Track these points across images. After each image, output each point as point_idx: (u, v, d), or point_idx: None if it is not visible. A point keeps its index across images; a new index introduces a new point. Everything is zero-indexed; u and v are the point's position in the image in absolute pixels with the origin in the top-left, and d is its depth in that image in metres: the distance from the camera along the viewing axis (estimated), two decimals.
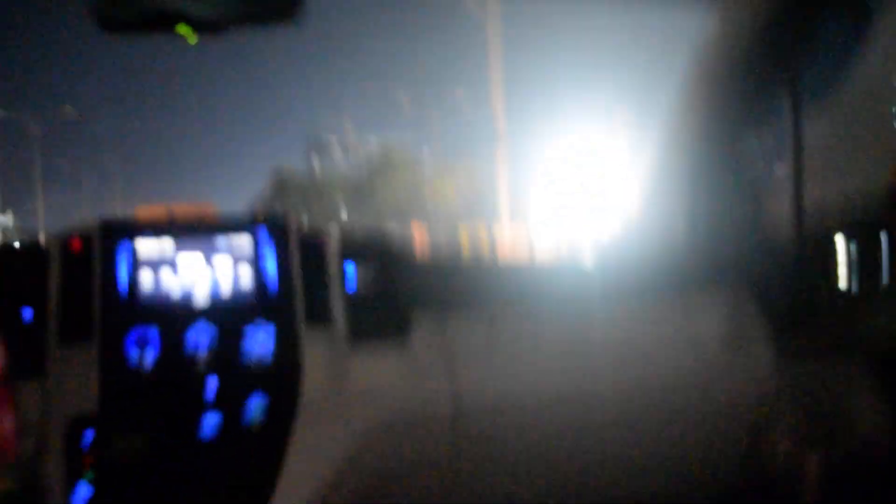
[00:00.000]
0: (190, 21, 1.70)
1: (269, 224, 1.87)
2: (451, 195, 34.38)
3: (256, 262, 1.83)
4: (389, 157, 41.72)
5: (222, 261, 1.82)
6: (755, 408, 2.05)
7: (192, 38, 1.68)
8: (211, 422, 1.70)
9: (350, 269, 1.93)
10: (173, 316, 1.76)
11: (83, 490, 1.63)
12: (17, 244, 1.91)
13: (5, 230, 38.82)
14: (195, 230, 1.84)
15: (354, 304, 1.90)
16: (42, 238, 1.82)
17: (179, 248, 1.81)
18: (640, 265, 2.20)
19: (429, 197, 37.23)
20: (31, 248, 1.83)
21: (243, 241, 1.84)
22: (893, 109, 2.00)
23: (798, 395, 2.03)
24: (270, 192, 50.01)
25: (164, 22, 1.70)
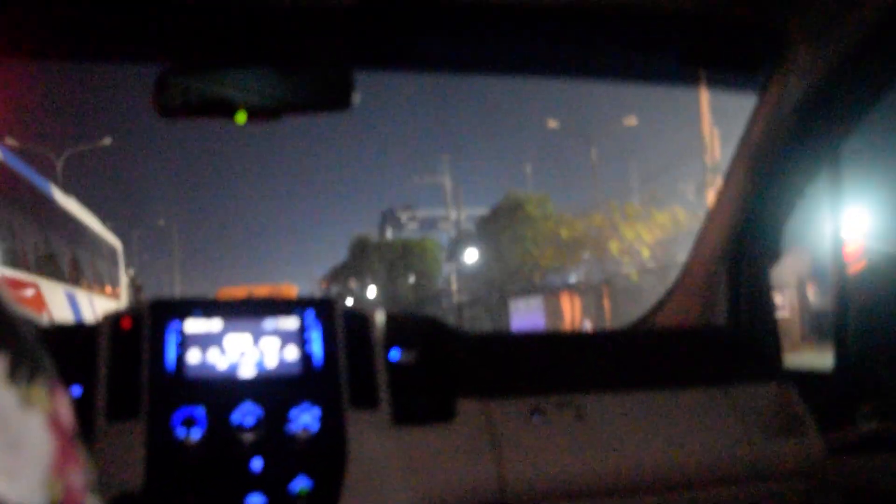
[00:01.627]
0: (246, 108, 1.75)
1: (317, 306, 1.89)
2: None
3: (303, 344, 1.84)
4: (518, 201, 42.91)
5: (269, 342, 1.83)
6: (803, 498, 2.00)
7: (243, 121, 1.73)
8: (256, 502, 1.68)
9: (395, 352, 1.93)
10: (220, 395, 1.76)
11: None
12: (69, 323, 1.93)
13: None
14: (243, 311, 1.86)
15: (399, 386, 1.90)
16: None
17: (227, 328, 1.82)
18: None
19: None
20: (82, 327, 1.86)
21: (290, 322, 1.85)
22: None
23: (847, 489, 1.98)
24: (350, 257, 52.48)
25: (220, 110, 1.75)
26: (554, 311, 34.08)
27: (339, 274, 61.18)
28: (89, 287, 13.35)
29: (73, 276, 12.39)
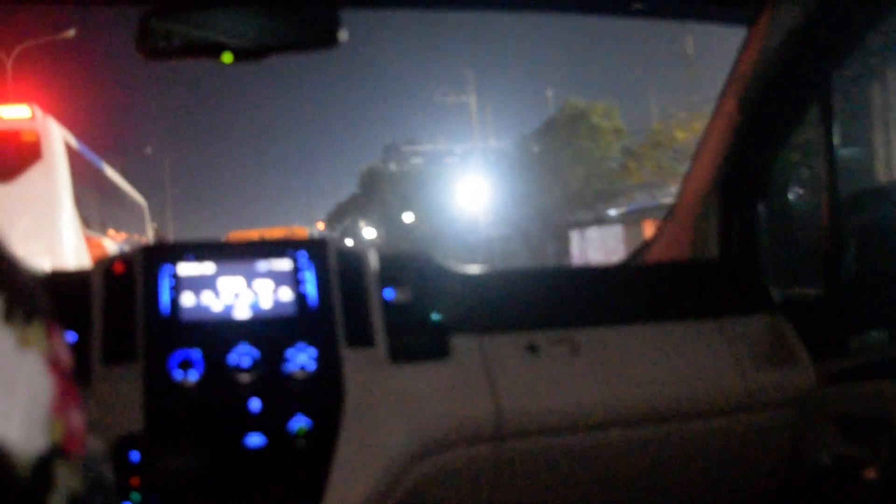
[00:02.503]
0: (231, 49, 1.72)
1: (309, 248, 1.88)
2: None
3: (297, 285, 1.84)
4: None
5: (263, 284, 1.82)
6: (795, 426, 2.01)
7: (230, 61, 1.70)
8: (254, 442, 1.69)
9: (390, 291, 1.93)
10: (215, 338, 1.76)
11: None
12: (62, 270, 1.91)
13: None
14: (236, 254, 1.85)
15: (394, 324, 1.90)
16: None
17: (220, 271, 1.82)
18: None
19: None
20: (75, 273, 1.84)
21: (284, 264, 1.85)
22: None
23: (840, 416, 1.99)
24: (361, 191, 49.01)
25: (206, 51, 1.72)
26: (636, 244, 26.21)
27: (344, 212, 57.21)
28: (130, 241, 14.70)
29: (121, 232, 14.19)
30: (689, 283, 2.25)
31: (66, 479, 0.52)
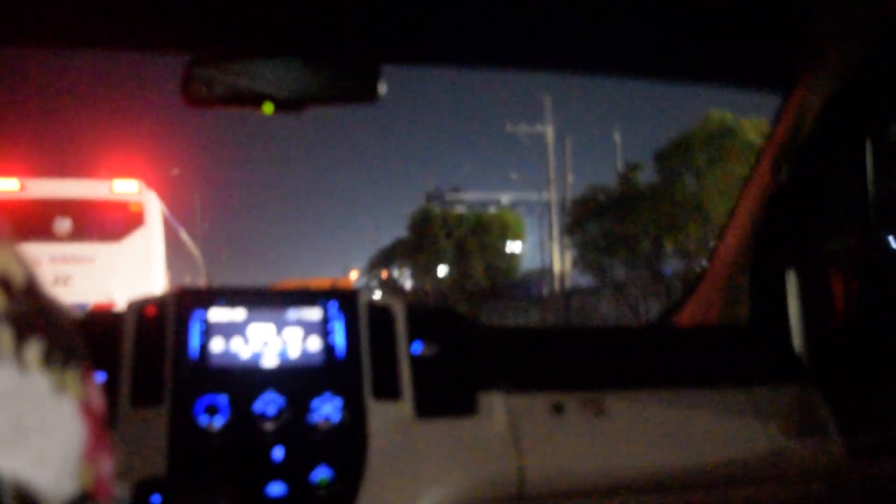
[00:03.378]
0: (272, 100, 1.72)
1: (340, 298, 1.88)
2: None
3: (326, 335, 1.83)
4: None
5: (292, 332, 1.82)
6: (823, 499, 1.97)
7: (270, 111, 1.70)
8: (276, 491, 1.67)
9: (417, 345, 1.91)
10: (242, 385, 1.75)
11: None
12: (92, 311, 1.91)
13: None
14: (267, 301, 1.85)
15: (421, 379, 1.88)
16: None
17: (251, 318, 1.81)
18: None
19: None
20: (108, 314, 1.85)
21: (314, 313, 1.84)
22: None
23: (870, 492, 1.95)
24: (412, 234, 44.63)
25: (247, 100, 1.72)
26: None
27: (388, 258, 51.29)
28: None
29: (188, 280, 16.78)
30: (719, 348, 2.23)
31: None
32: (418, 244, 44.51)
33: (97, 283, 11.04)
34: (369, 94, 1.80)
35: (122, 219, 11.82)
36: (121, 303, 1.72)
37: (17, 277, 0.53)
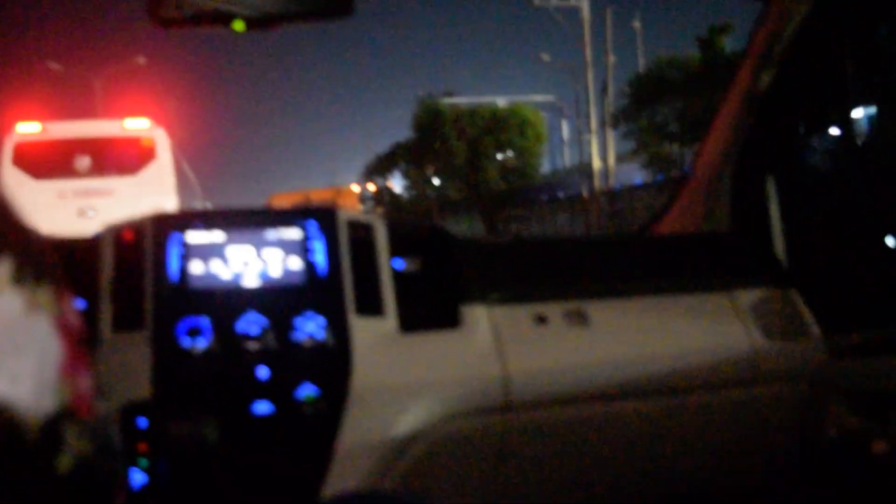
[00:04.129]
0: (243, 17, 1.68)
1: (319, 217, 1.82)
2: None
3: (306, 255, 1.78)
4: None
5: (272, 252, 1.77)
6: (804, 400, 1.98)
7: (241, 29, 1.66)
8: (262, 409, 1.64)
9: (399, 260, 1.87)
10: (224, 306, 1.70)
11: (138, 477, 1.58)
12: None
13: None
14: (245, 223, 1.79)
15: (404, 294, 1.84)
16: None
17: (230, 239, 1.76)
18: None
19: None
20: (85, 240, 1.78)
21: (293, 233, 1.79)
22: None
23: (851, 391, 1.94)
24: (417, 135, 40.15)
25: (217, 19, 1.68)
26: None
27: (386, 165, 44.87)
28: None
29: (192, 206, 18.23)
30: (701, 255, 2.17)
31: (75, 441, 0.51)
32: (423, 146, 39.82)
33: (118, 214, 11.48)
34: (342, 9, 1.75)
35: (136, 154, 12.84)
36: None
37: None
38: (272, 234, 1.78)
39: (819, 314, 2.02)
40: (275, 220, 1.80)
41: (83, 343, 0.56)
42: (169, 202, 12.74)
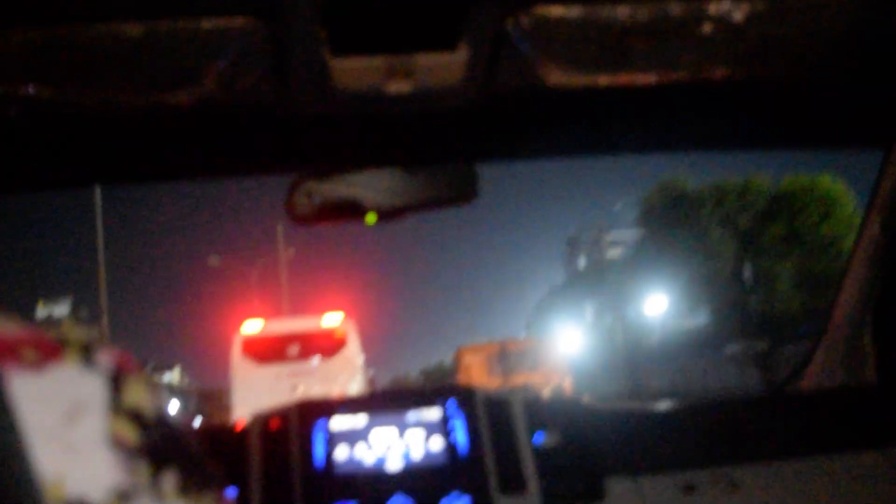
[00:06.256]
0: (373, 209, 1.72)
1: (458, 395, 1.67)
2: None
3: (447, 434, 1.62)
4: None
5: (414, 433, 1.62)
6: None
7: (373, 221, 1.69)
8: None
9: (539, 435, 1.70)
10: (370, 490, 1.57)
11: None
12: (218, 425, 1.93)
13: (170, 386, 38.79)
14: (387, 405, 1.67)
15: (546, 470, 1.65)
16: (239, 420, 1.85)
17: (372, 423, 1.63)
18: None
19: None
20: (234, 430, 1.73)
21: (434, 413, 1.64)
22: None
23: None
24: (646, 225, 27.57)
25: (350, 213, 1.72)
26: None
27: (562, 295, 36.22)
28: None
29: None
30: (849, 411, 1.90)
31: None
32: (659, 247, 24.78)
33: (319, 389, 13.86)
34: (468, 196, 1.75)
35: (332, 342, 14.89)
36: None
37: (148, 410, 0.51)
38: (413, 415, 1.63)
39: None
40: (415, 401, 1.66)
41: None
42: (357, 377, 14.57)
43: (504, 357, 18.59)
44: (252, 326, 15.30)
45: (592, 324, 36.62)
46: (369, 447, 1.65)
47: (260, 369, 14.65)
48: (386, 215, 1.68)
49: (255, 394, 13.37)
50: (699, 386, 25.04)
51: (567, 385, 17.78)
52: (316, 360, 14.95)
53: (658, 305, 28.85)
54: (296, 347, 15.14)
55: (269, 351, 14.96)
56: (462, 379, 17.74)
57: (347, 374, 14.71)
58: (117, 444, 0.48)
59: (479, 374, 18.28)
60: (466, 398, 1.68)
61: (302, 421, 1.66)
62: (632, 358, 29.00)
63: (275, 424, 1.66)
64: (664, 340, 30.20)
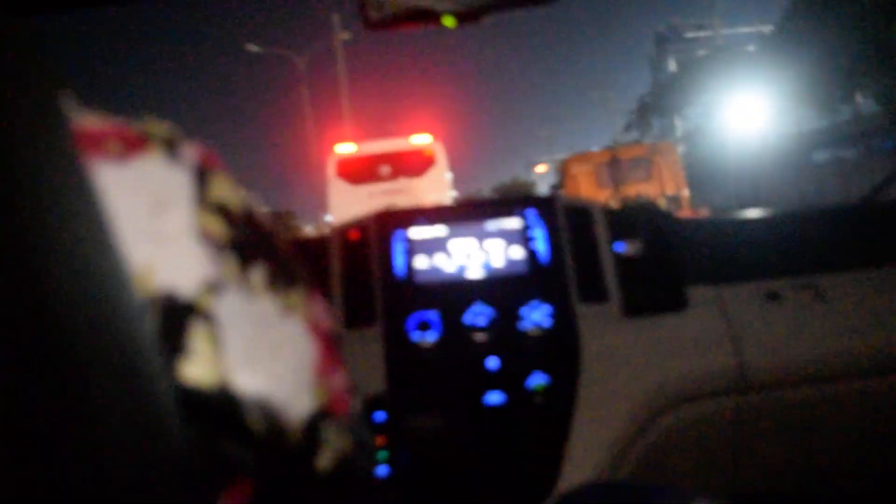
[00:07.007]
0: (452, 13, 1.63)
1: (538, 205, 1.63)
2: None
3: (527, 243, 1.60)
4: None
5: (494, 243, 1.60)
6: None
7: (452, 24, 1.61)
8: (494, 400, 1.48)
9: (620, 244, 1.65)
10: (451, 299, 1.56)
11: (380, 469, 1.49)
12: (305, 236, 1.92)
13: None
14: (466, 215, 1.64)
15: (627, 278, 1.62)
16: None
17: (452, 233, 1.62)
18: None
19: None
20: (314, 240, 1.72)
21: (513, 223, 1.61)
22: None
23: None
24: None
25: (426, 17, 1.64)
26: None
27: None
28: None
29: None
30: None
31: (334, 439, 0.51)
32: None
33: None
34: None
35: (421, 161, 15.39)
36: None
37: (235, 206, 0.51)
38: (493, 225, 1.60)
39: None
40: (495, 211, 1.63)
41: (335, 342, 0.56)
42: (446, 195, 14.93)
43: (614, 166, 16.64)
44: (345, 148, 15.80)
45: (697, 131, 32.38)
46: (449, 256, 1.64)
47: (354, 189, 15.26)
48: (464, 17, 1.58)
49: (350, 213, 14.15)
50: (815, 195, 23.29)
51: (684, 196, 15.48)
52: (407, 179, 15.44)
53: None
54: (387, 168, 15.60)
55: (362, 171, 15.49)
56: (569, 191, 15.67)
57: (437, 192, 15.03)
58: (205, 237, 0.48)
59: (587, 186, 16.26)
60: (546, 207, 1.65)
61: (380, 231, 1.65)
62: (743, 168, 26.62)
63: (354, 235, 1.65)
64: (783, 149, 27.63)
